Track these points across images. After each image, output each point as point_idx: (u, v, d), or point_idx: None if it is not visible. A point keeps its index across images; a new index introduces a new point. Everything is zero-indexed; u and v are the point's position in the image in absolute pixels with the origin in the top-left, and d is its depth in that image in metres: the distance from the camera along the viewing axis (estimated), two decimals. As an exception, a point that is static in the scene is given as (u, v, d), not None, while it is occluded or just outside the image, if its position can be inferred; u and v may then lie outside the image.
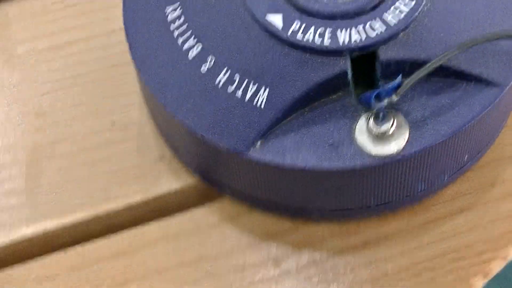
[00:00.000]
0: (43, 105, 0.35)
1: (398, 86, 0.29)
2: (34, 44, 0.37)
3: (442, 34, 0.30)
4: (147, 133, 0.34)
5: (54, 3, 0.38)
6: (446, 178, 0.31)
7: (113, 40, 0.36)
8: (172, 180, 0.33)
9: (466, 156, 0.31)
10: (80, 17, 0.37)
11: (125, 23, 0.32)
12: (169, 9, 0.31)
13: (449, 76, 0.30)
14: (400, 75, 0.29)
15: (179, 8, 0.31)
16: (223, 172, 0.31)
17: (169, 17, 0.31)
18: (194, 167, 0.33)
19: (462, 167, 0.32)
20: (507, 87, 0.30)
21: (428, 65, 0.29)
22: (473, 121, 0.29)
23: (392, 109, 0.29)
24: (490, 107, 0.30)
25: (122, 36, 0.32)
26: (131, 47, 0.32)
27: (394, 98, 0.29)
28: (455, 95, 0.30)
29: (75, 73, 0.36)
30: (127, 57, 0.32)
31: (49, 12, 0.38)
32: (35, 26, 0.37)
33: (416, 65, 0.29)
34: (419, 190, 0.31)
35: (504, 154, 0.33)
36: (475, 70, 0.30)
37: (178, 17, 0.31)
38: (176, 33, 0.31)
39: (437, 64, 0.29)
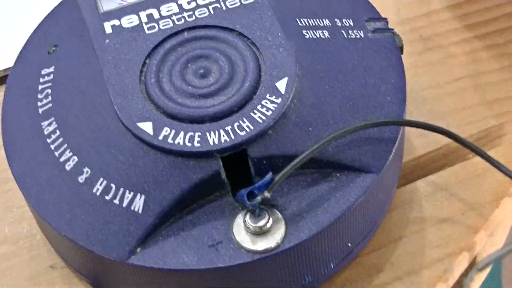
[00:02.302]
0: None
1: (270, 182, 0.29)
2: None
3: (310, 128, 0.30)
4: (38, 243, 0.34)
5: None
6: (333, 266, 0.32)
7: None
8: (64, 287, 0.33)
9: (349, 243, 0.32)
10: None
11: (3, 139, 0.32)
12: (45, 123, 0.32)
13: (322, 167, 0.31)
14: (270, 172, 0.29)
15: (54, 122, 0.32)
16: (110, 278, 0.31)
17: (46, 131, 0.32)
18: (84, 274, 0.33)
19: (348, 254, 0.32)
20: (379, 174, 0.30)
21: (296, 160, 0.29)
22: (349, 210, 0.30)
23: (269, 205, 0.30)
24: (364, 195, 0.30)
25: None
26: (10, 163, 0.32)
27: (267, 194, 0.29)
28: (329, 186, 0.30)
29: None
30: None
31: None
32: None
33: (287, 160, 0.30)
34: (306, 282, 0.31)
35: (390, 237, 0.33)
36: (346, 159, 0.30)
37: (54, 131, 0.31)
38: (52, 146, 0.31)
39: (306, 158, 0.29)
